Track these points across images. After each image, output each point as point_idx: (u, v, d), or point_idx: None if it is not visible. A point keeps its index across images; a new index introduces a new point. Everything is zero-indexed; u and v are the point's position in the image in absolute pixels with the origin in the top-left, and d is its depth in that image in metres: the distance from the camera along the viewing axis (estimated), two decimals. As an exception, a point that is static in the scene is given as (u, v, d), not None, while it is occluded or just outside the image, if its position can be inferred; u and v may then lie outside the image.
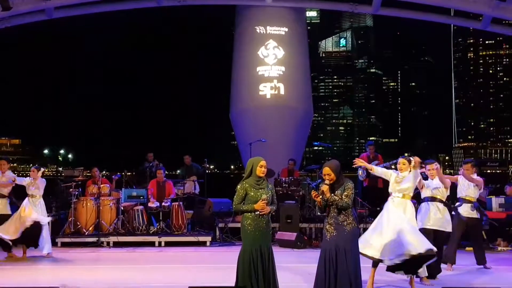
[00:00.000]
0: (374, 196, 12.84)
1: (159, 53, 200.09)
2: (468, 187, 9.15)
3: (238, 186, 6.24)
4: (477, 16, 17.39)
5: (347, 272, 5.90)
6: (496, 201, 11.21)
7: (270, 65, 17.86)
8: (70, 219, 11.90)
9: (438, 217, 8.28)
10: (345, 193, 6.02)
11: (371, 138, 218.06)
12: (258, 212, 6.16)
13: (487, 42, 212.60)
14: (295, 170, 14.57)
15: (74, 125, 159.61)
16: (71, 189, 12.01)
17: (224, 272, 8.38)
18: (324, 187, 6.07)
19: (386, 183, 8.55)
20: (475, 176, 9.16)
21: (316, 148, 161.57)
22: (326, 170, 6.12)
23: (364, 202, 12.32)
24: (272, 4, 17.27)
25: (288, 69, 17.93)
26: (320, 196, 6.15)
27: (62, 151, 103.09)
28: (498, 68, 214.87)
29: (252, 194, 6.18)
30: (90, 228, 11.93)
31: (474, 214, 9.13)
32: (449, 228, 8.35)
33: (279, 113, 17.45)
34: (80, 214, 12.00)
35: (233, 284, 6.28)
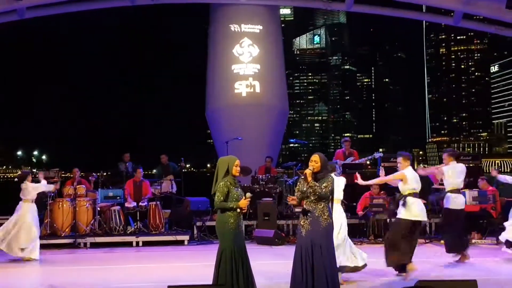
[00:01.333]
0: (352, 191, 12.93)
1: (132, 51, 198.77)
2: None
3: (222, 183, 6.23)
4: (449, 12, 17.61)
5: (323, 267, 5.95)
6: (469, 195, 11.35)
7: (245, 63, 17.89)
8: (46, 221, 11.79)
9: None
10: (325, 184, 6.09)
11: (346, 135, 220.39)
12: (239, 210, 6.20)
13: (458, 37, 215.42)
14: (272, 168, 14.61)
15: (47, 126, 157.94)
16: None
17: (203, 271, 8.38)
18: (307, 171, 6.15)
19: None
20: (442, 166, 9.32)
21: (292, 145, 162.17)
22: (315, 157, 6.24)
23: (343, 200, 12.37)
24: (246, 2, 17.29)
25: (263, 67, 17.97)
26: (295, 200, 6.23)
27: (35, 153, 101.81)
28: (470, 63, 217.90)
29: (234, 192, 6.21)
30: (67, 230, 11.83)
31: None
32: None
33: (255, 111, 17.50)
34: (56, 216, 11.89)
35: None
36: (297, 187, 6.29)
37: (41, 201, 12.66)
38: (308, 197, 6.12)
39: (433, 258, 9.78)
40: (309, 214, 6.12)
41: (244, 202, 6.18)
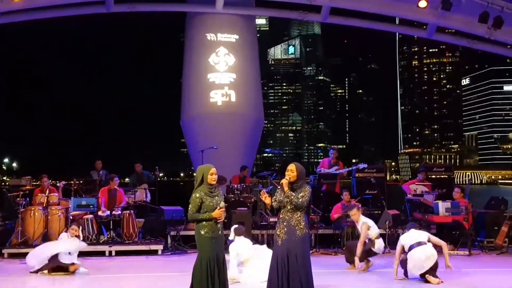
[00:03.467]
0: (330, 201, 13.00)
1: (105, 59, 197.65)
2: None
3: (194, 195, 6.19)
4: (422, 25, 17.87)
5: (299, 277, 5.97)
6: (442, 206, 11.48)
7: (221, 72, 17.86)
8: (17, 229, 11.54)
9: None
10: (301, 194, 6.10)
11: (320, 145, 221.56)
12: (214, 220, 6.15)
13: (431, 50, 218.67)
14: (247, 177, 14.60)
15: (17, 134, 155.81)
16: (18, 199, 11.69)
17: (177, 280, 8.33)
18: (284, 181, 6.16)
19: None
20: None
21: (266, 155, 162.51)
22: (291, 166, 6.25)
23: (315, 208, 12.44)
24: (222, 11, 17.28)
25: (239, 76, 17.97)
26: (268, 198, 6.23)
27: (6, 160, 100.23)
28: (442, 76, 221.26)
29: (208, 202, 6.17)
30: (39, 239, 11.62)
31: None
32: None
33: (230, 120, 17.46)
34: (28, 224, 11.66)
35: (187, 292, 6.25)
36: (274, 197, 6.29)
37: (12, 209, 12.47)
38: (285, 206, 6.13)
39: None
40: (285, 223, 6.12)
41: (217, 213, 6.15)
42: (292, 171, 6.21)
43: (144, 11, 17.17)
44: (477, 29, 14.59)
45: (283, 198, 6.13)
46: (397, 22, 19.79)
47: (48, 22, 16.48)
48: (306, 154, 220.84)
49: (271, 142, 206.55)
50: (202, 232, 6.16)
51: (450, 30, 19.05)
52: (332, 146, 16.36)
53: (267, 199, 6.27)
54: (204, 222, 6.16)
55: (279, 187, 6.30)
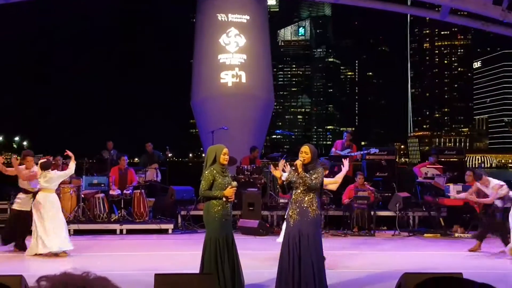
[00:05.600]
0: (341, 183, 12.95)
1: (117, 40, 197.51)
2: None
3: (207, 172, 6.22)
4: (435, 7, 17.71)
5: (310, 257, 5.99)
6: (454, 189, 11.46)
7: (232, 53, 17.81)
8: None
9: None
10: (315, 175, 6.11)
11: (329, 127, 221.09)
12: (225, 199, 6.18)
13: (442, 32, 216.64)
14: (257, 158, 14.61)
15: (28, 112, 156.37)
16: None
17: (187, 259, 8.39)
18: (298, 162, 6.15)
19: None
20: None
21: (275, 136, 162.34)
22: (305, 148, 6.23)
23: (326, 190, 12.42)
24: (234, -9, 17.20)
25: (250, 57, 17.91)
26: (278, 171, 6.25)
27: (16, 138, 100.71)
28: (453, 59, 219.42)
29: (220, 181, 6.19)
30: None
31: None
32: None
33: (240, 101, 17.46)
34: (40, 202, 11.76)
35: (197, 271, 6.29)
36: (287, 176, 6.29)
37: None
38: (298, 187, 6.13)
39: (417, 251, 9.88)
40: (297, 204, 6.14)
41: (229, 191, 6.17)
42: (306, 152, 6.20)
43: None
44: (491, 11, 14.44)
45: (296, 179, 6.14)
46: (408, 3, 19.56)
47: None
48: (315, 136, 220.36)
49: (280, 124, 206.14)
50: (213, 212, 6.19)
51: (463, 12, 18.86)
52: (346, 129, 16.38)
53: (277, 173, 6.31)
54: (215, 201, 6.19)
55: (293, 167, 6.30)
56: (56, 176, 9.49)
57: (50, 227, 9.06)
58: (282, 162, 6.41)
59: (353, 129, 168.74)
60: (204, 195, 6.23)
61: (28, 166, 9.67)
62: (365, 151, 13.71)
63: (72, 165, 9.55)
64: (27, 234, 9.54)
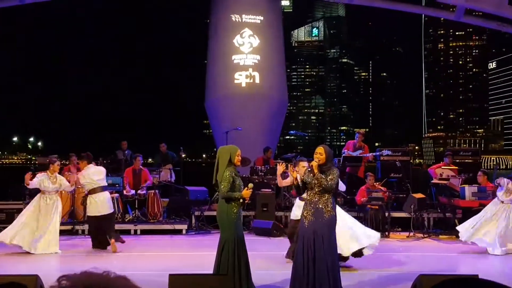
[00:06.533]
0: (353, 183, 12.93)
1: (133, 41, 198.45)
2: None
3: (227, 174, 6.24)
4: (449, 7, 17.60)
5: (325, 258, 5.97)
6: (469, 190, 11.36)
7: (246, 53, 17.83)
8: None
9: None
10: (330, 176, 6.09)
11: (342, 128, 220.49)
12: (242, 201, 6.23)
13: (457, 33, 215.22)
14: (270, 159, 14.60)
15: (43, 113, 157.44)
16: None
17: (201, 260, 8.40)
18: (314, 163, 6.15)
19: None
20: None
21: (288, 137, 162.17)
22: (320, 149, 6.24)
23: (339, 191, 12.41)
24: (248, -8, 17.22)
25: (263, 57, 17.92)
26: (295, 173, 6.28)
27: (31, 139, 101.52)
28: (468, 59, 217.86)
29: (238, 182, 6.25)
30: (65, 216, 11.80)
31: None
32: None
33: (254, 101, 17.46)
34: (55, 202, 11.83)
35: (211, 271, 6.29)
36: (302, 177, 6.29)
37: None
38: (313, 188, 6.12)
39: (432, 252, 9.82)
40: (312, 205, 6.13)
41: (247, 193, 6.21)
42: (321, 153, 6.19)
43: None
44: (507, 11, 14.34)
45: (311, 180, 6.13)
46: (423, 3, 19.48)
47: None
48: (329, 137, 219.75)
49: (293, 124, 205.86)
50: (232, 212, 6.22)
51: (478, 13, 18.72)
52: (359, 130, 16.29)
53: (294, 173, 6.34)
54: (233, 203, 6.23)
55: (309, 168, 6.29)
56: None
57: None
58: (281, 167, 6.41)
59: (366, 129, 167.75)
60: (227, 196, 6.25)
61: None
62: (378, 153, 13.64)
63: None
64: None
